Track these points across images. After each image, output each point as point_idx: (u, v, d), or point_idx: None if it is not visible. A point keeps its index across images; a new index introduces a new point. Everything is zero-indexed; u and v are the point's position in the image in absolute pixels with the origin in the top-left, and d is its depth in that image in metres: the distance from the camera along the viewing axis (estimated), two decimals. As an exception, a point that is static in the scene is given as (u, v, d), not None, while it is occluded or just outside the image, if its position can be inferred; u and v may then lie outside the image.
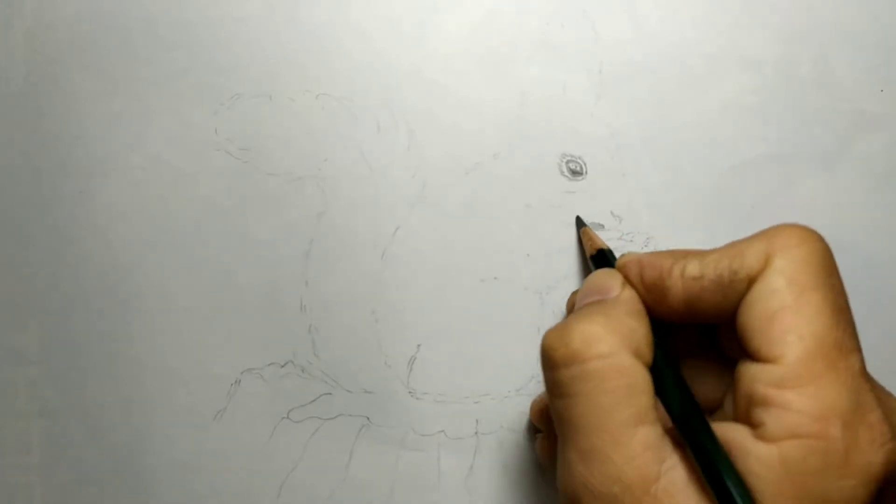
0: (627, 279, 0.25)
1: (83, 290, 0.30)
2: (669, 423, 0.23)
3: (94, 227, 0.30)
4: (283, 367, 0.30)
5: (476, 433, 0.31)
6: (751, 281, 0.22)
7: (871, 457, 0.20)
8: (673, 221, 0.32)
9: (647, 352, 0.23)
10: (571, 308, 0.29)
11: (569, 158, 0.31)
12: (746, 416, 0.22)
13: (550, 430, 0.29)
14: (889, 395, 0.24)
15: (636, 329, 0.23)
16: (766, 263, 0.22)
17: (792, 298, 0.21)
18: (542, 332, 0.31)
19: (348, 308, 0.31)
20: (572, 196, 0.31)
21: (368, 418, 0.31)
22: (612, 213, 0.31)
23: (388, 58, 0.31)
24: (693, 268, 0.23)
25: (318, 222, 0.31)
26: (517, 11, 0.31)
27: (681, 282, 0.24)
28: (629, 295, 0.24)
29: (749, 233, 0.23)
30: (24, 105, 0.30)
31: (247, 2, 0.31)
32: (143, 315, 0.30)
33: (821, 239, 0.23)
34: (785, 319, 0.21)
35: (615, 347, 0.22)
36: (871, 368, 0.33)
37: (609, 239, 0.31)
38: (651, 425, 0.22)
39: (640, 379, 0.22)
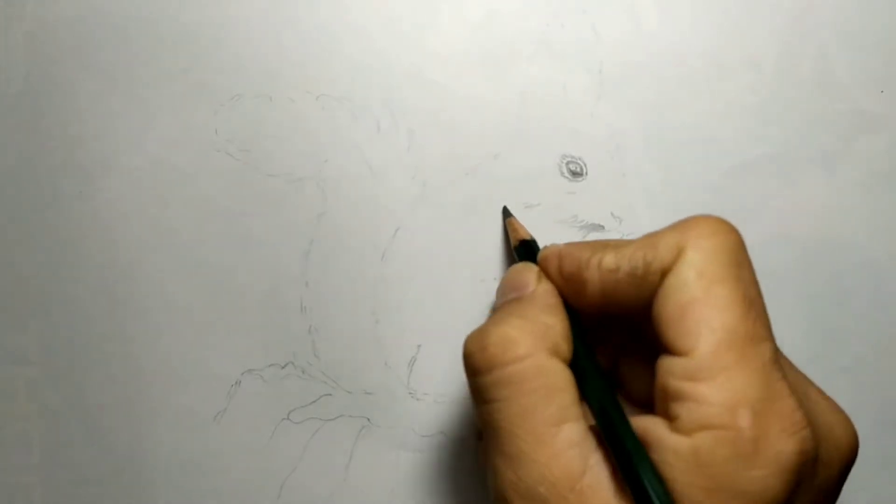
0: (547, 272, 0.25)
1: (83, 290, 0.30)
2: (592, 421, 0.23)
3: (94, 228, 0.30)
4: (283, 367, 0.30)
5: (477, 434, 0.31)
6: (664, 273, 0.22)
7: (781, 446, 0.20)
8: (673, 222, 0.32)
9: (566, 347, 0.23)
10: None
11: (569, 159, 0.31)
12: (664, 410, 0.22)
13: None
14: (809, 382, 0.24)
15: (552, 326, 0.23)
16: (678, 255, 0.22)
17: (702, 291, 0.22)
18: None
19: (348, 309, 0.31)
20: (572, 197, 0.31)
21: (369, 419, 0.31)
22: (612, 213, 0.31)
23: (388, 58, 0.31)
24: (609, 260, 0.23)
25: (318, 223, 0.31)
26: (517, 12, 0.31)
27: (598, 274, 0.24)
28: (544, 289, 0.25)
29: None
30: (23, 105, 0.30)
31: (247, 2, 0.31)
32: (144, 315, 0.30)
33: (733, 231, 0.23)
34: (696, 312, 0.21)
35: (531, 349, 0.22)
36: (871, 368, 0.33)
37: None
38: (575, 422, 0.22)
39: (560, 377, 0.22)
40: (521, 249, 0.28)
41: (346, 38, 0.31)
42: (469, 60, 0.31)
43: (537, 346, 0.22)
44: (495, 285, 0.31)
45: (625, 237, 0.31)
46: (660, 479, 0.20)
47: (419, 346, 0.31)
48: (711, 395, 0.21)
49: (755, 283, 0.23)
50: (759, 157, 0.33)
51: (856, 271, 0.33)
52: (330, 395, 0.31)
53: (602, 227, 0.31)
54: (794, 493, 0.21)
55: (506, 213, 0.31)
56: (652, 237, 0.23)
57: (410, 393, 0.31)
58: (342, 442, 0.31)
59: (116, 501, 0.30)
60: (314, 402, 0.31)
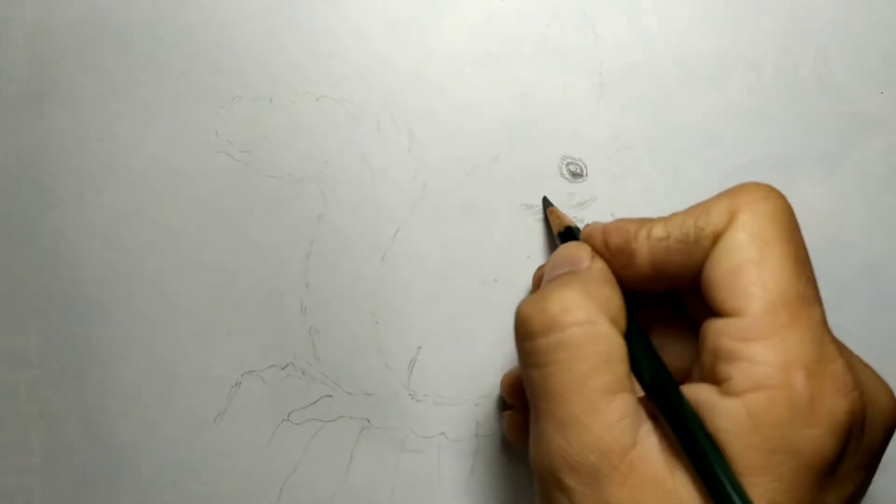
0: (593, 247, 0.25)
1: (83, 292, 0.30)
2: (640, 394, 0.23)
3: (94, 229, 0.30)
4: (283, 368, 0.30)
5: (476, 435, 0.31)
6: (716, 237, 0.23)
7: (835, 405, 0.20)
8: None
9: (622, 321, 0.23)
10: (538, 284, 0.29)
11: (569, 160, 0.31)
12: (712, 373, 0.22)
13: (522, 406, 0.29)
14: (849, 351, 0.24)
15: (611, 297, 0.23)
16: (730, 219, 0.22)
17: (755, 252, 0.22)
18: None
19: (349, 310, 0.31)
20: (572, 198, 0.31)
21: (369, 420, 0.31)
22: (612, 215, 0.31)
23: (388, 59, 0.31)
24: (659, 229, 0.24)
25: (318, 224, 0.31)
26: (517, 13, 0.31)
27: (647, 244, 0.24)
28: (599, 265, 0.24)
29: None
30: (24, 107, 0.30)
31: (247, 3, 0.31)
32: (144, 317, 0.30)
33: (783, 197, 0.23)
34: (749, 272, 0.22)
35: (593, 315, 0.22)
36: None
37: (609, 241, 0.31)
38: (627, 393, 0.22)
39: (617, 347, 0.22)
40: (567, 236, 0.28)
41: (347, 39, 0.31)
42: (469, 61, 0.31)
43: (599, 313, 0.22)
44: (496, 286, 0.31)
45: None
46: (716, 445, 0.20)
47: (419, 347, 0.31)
48: (765, 354, 0.21)
49: (805, 248, 0.23)
50: (758, 158, 0.33)
51: (855, 273, 0.33)
52: (330, 396, 0.31)
53: (602, 229, 0.31)
54: (843, 453, 0.21)
55: (546, 202, 0.31)
56: (702, 204, 0.23)
57: (411, 394, 0.31)
58: (342, 443, 0.31)
59: (116, 503, 0.30)
60: (314, 403, 0.30)
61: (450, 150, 0.31)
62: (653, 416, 0.22)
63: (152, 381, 0.30)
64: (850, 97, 0.33)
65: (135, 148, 0.30)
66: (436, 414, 0.31)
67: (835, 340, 0.22)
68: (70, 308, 0.30)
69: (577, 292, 0.23)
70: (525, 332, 0.23)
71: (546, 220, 0.31)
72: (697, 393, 0.22)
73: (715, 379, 0.21)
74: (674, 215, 0.24)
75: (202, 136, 0.30)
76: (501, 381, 0.30)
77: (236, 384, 0.30)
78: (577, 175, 0.31)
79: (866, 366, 0.24)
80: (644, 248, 0.24)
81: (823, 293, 0.32)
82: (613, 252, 0.24)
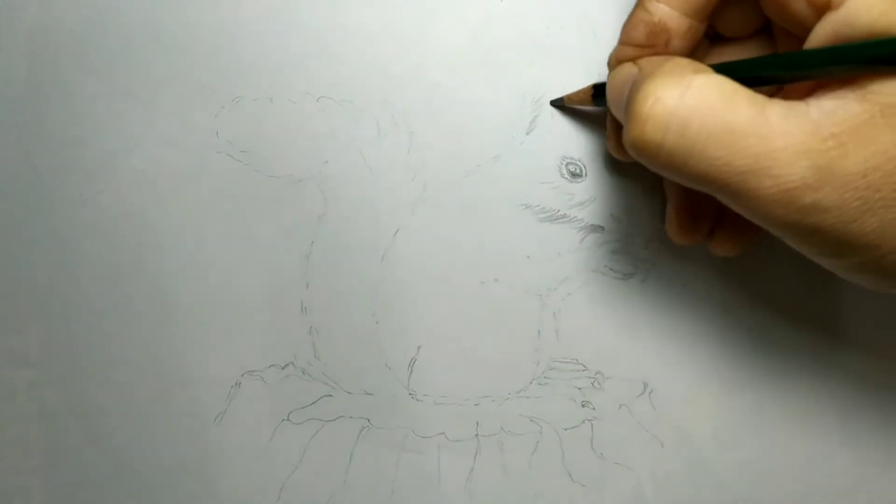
0: (629, 59, 0.25)
1: (83, 292, 0.30)
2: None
3: (94, 229, 0.30)
4: (283, 368, 0.30)
5: (476, 435, 0.31)
6: None
7: None
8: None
9: (707, 67, 0.23)
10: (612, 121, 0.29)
11: (568, 161, 0.31)
12: (827, 6, 0.21)
13: (706, 235, 0.29)
14: None
15: (677, 61, 0.23)
16: None
17: None
18: (543, 335, 0.31)
19: (349, 310, 0.31)
20: (572, 198, 0.31)
21: (369, 420, 0.31)
22: (611, 214, 0.31)
23: (388, 60, 0.31)
24: None
25: (318, 224, 0.31)
26: (517, 14, 0.31)
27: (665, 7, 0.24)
28: (646, 60, 0.24)
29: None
30: (25, 107, 0.30)
31: (248, 4, 0.31)
32: (143, 317, 0.30)
33: None
34: None
35: (681, 79, 0.21)
36: (870, 370, 0.33)
37: (609, 241, 0.31)
38: (771, 105, 0.21)
39: (726, 81, 0.21)
40: (601, 88, 0.27)
41: (347, 40, 0.31)
42: (469, 62, 0.31)
43: (684, 74, 0.22)
44: (496, 286, 0.31)
45: (625, 237, 0.31)
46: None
47: (419, 347, 0.31)
48: None
49: None
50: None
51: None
52: (330, 395, 0.31)
53: (602, 228, 0.31)
54: None
55: (557, 100, 0.31)
56: None
57: (411, 394, 0.31)
58: (342, 443, 0.30)
59: (116, 503, 0.30)
60: (314, 402, 0.30)
61: (450, 151, 0.31)
62: (804, 99, 0.21)
63: (152, 382, 0.30)
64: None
65: (135, 148, 0.30)
66: (436, 414, 0.31)
67: None
68: (70, 308, 0.30)
69: (652, 81, 0.22)
70: (650, 150, 0.22)
71: (560, 106, 0.31)
72: (825, 31, 0.21)
73: (829, 9, 0.21)
74: None
75: (203, 137, 0.30)
76: (670, 232, 0.29)
77: (236, 384, 0.30)
78: (576, 175, 0.31)
79: None
80: (665, 12, 0.24)
81: (824, 290, 0.32)
82: (649, 43, 0.24)
